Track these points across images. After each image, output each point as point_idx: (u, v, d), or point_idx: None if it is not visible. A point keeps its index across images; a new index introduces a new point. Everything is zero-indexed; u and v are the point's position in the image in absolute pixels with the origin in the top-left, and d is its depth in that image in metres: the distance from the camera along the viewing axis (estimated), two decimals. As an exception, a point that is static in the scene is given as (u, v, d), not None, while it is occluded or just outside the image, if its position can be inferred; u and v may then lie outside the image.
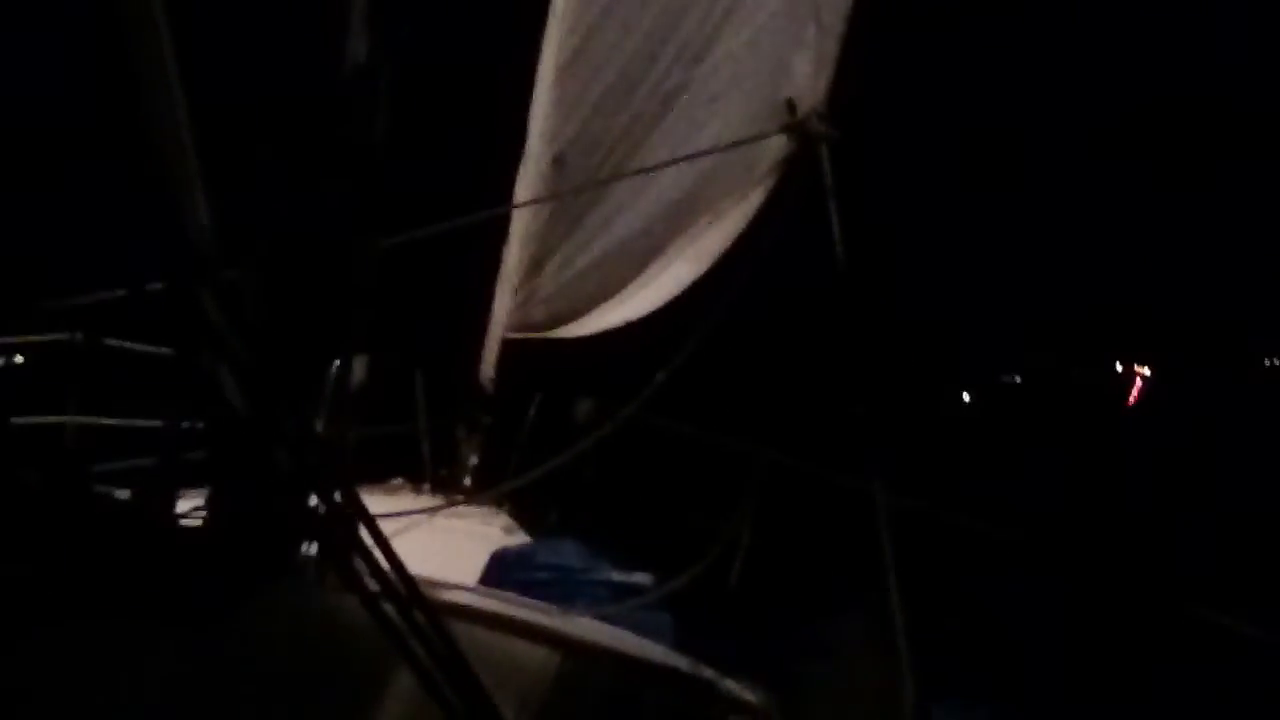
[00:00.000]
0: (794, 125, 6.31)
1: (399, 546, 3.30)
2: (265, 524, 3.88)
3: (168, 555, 3.77)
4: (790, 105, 6.37)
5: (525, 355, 8.25)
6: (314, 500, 3.62)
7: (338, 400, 4.35)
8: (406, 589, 3.10)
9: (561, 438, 7.88)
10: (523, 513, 7.77)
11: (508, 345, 8.24)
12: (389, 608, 3.23)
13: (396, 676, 3.70)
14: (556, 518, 7.91)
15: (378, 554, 3.23)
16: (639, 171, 7.23)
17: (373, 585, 3.16)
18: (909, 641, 4.91)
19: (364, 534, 3.35)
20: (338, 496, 3.44)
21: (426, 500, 7.56)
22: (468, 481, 8.32)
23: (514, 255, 8.03)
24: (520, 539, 7.25)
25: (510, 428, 8.51)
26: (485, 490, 7.96)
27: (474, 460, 8.38)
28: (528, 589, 5.63)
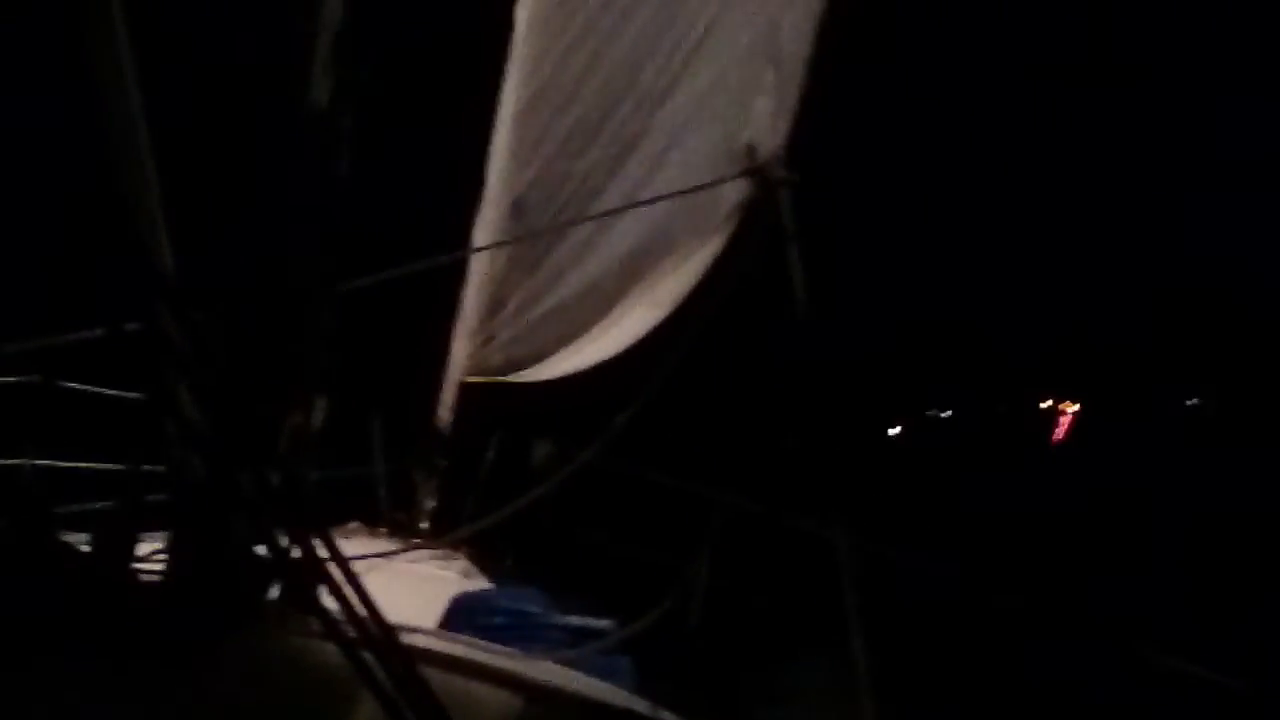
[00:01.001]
0: (754, 170, 6.35)
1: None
2: (229, 567, 3.86)
3: (127, 601, 3.74)
4: (750, 150, 6.41)
5: (482, 398, 8.24)
6: (282, 542, 3.61)
7: (297, 443, 4.34)
8: (382, 634, 3.09)
9: (519, 480, 7.87)
10: (480, 556, 7.75)
11: (465, 388, 8.23)
12: (362, 653, 3.22)
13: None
14: (513, 561, 7.89)
15: (350, 597, 3.22)
16: (599, 215, 7.26)
17: (347, 630, 3.15)
18: (871, 685, 4.93)
19: (335, 577, 3.35)
20: (311, 540, 3.43)
21: (383, 543, 7.52)
22: (425, 525, 8.29)
23: (472, 299, 8.03)
24: (478, 582, 7.23)
25: (467, 470, 8.49)
26: (443, 534, 7.94)
27: (431, 503, 8.35)
28: (488, 634, 5.60)
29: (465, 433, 8.31)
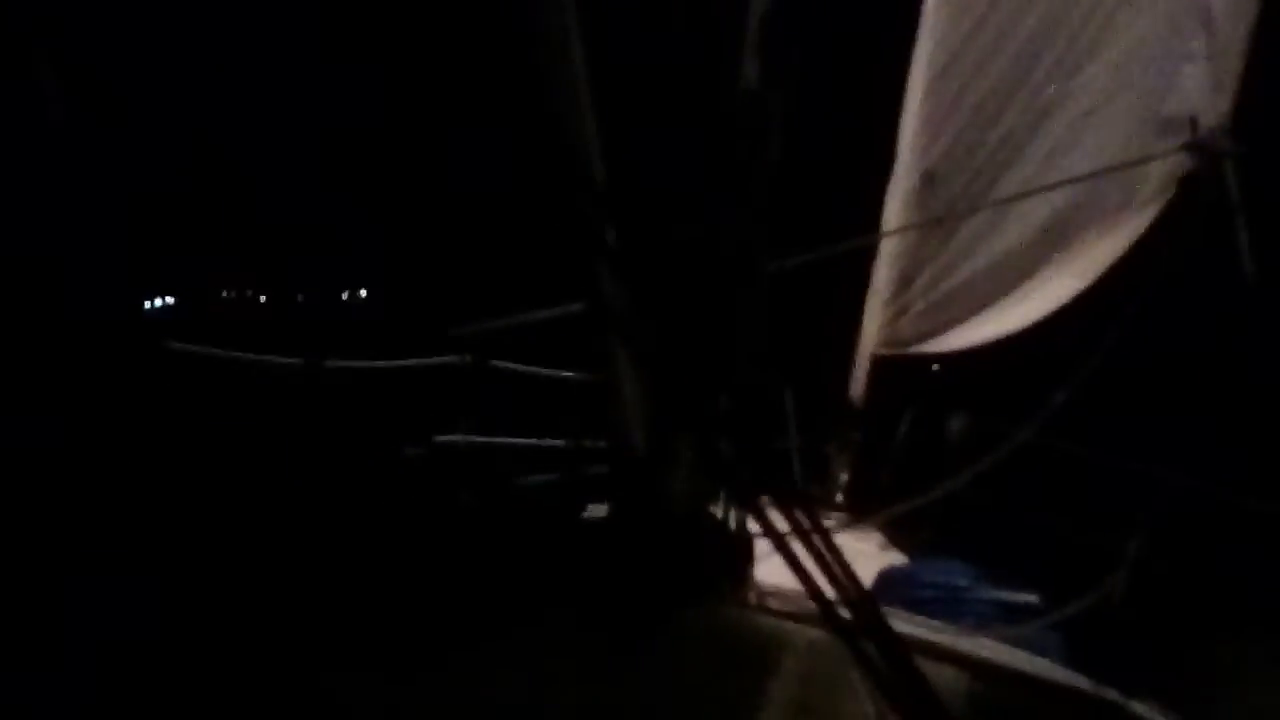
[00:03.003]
0: (1196, 143, 6.17)
1: (777, 565, 3.34)
2: (684, 539, 3.98)
3: (601, 570, 3.90)
4: (1190, 121, 6.23)
5: (896, 370, 8.23)
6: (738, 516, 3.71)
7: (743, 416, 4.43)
8: (868, 613, 3.14)
9: (933, 454, 7.83)
10: (896, 529, 7.74)
11: (878, 361, 8.23)
12: (805, 629, 3.27)
13: (797, 689, 3.75)
14: (932, 534, 7.84)
15: (832, 574, 3.25)
16: (1013, 198, 7.15)
17: (793, 604, 3.20)
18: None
19: (785, 549, 3.40)
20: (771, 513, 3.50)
21: (800, 518, 7.57)
22: (840, 498, 8.34)
23: (884, 271, 8.03)
24: (896, 556, 7.23)
25: (880, 444, 8.49)
26: (857, 507, 7.97)
27: (845, 477, 8.40)
28: (915, 607, 5.62)
29: (879, 406, 8.32)
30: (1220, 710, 5.40)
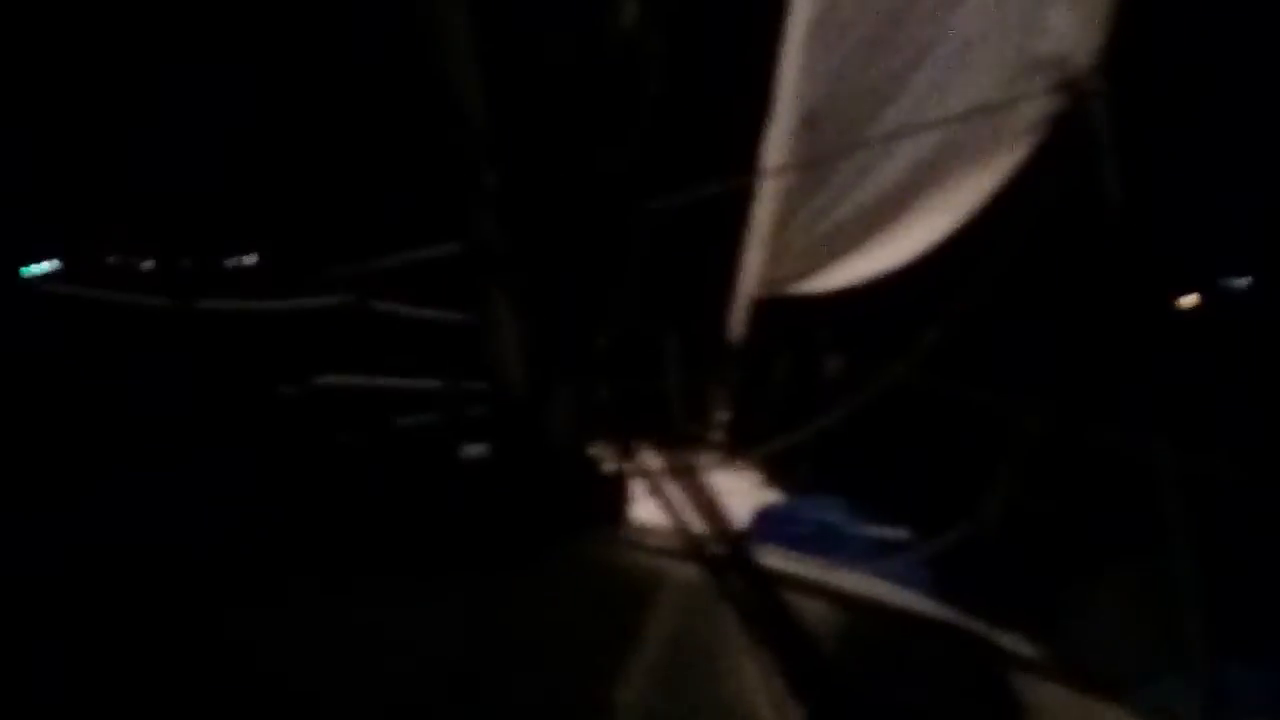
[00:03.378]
0: (1066, 83, 6.28)
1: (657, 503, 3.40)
2: (553, 479, 4.02)
3: (470, 505, 3.93)
4: (1061, 61, 6.33)
5: (774, 311, 8.30)
6: (604, 455, 3.75)
7: (613, 358, 4.46)
8: (731, 548, 3.21)
9: (811, 394, 7.93)
10: (773, 467, 7.83)
11: (757, 302, 8.30)
12: (671, 563, 3.33)
13: (673, 626, 3.81)
14: (809, 473, 7.95)
15: (675, 509, 3.33)
16: (891, 136, 7.23)
17: (663, 540, 3.26)
18: (1197, 600, 4.87)
19: (657, 489, 3.46)
20: (636, 452, 3.56)
21: (677, 457, 7.65)
22: (718, 438, 8.41)
23: (763, 213, 8.08)
24: (774, 495, 7.32)
25: (759, 384, 8.57)
26: (736, 446, 8.05)
27: (723, 417, 8.47)
28: (791, 544, 5.71)
29: (757, 346, 8.39)
30: (1083, 640, 5.55)
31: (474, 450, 4.39)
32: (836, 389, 7.48)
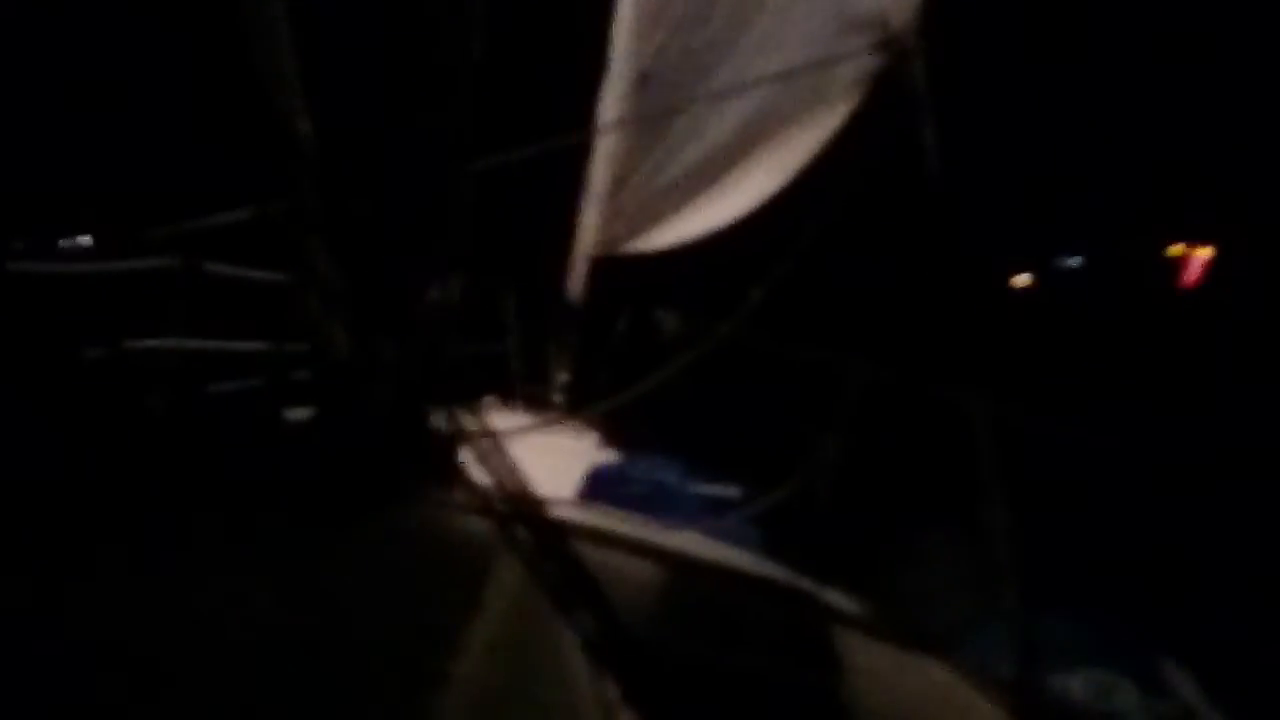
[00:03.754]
0: (886, 42, 6.33)
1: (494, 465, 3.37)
2: (376, 441, 3.97)
3: (285, 470, 3.87)
4: (881, 20, 6.38)
5: (611, 271, 8.29)
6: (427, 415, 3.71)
7: (438, 317, 4.41)
8: (530, 507, 3.19)
9: (650, 353, 7.94)
10: (613, 427, 7.83)
11: (594, 261, 8.28)
12: (514, 526, 3.31)
13: (510, 592, 3.79)
14: (646, 432, 7.97)
15: (499, 470, 3.31)
16: (719, 94, 7.24)
17: (495, 502, 3.24)
18: (1008, 550, 4.97)
19: (483, 451, 3.43)
20: (457, 414, 3.52)
21: (518, 417, 7.63)
22: (558, 398, 8.39)
23: (598, 172, 8.06)
24: (612, 453, 7.33)
25: (599, 343, 8.56)
26: (576, 406, 8.04)
27: (564, 377, 8.45)
28: (625, 503, 5.73)
29: (596, 306, 8.38)
30: (906, 595, 5.65)
31: (298, 414, 4.31)
32: (672, 348, 7.49)
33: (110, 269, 6.13)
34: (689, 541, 5.19)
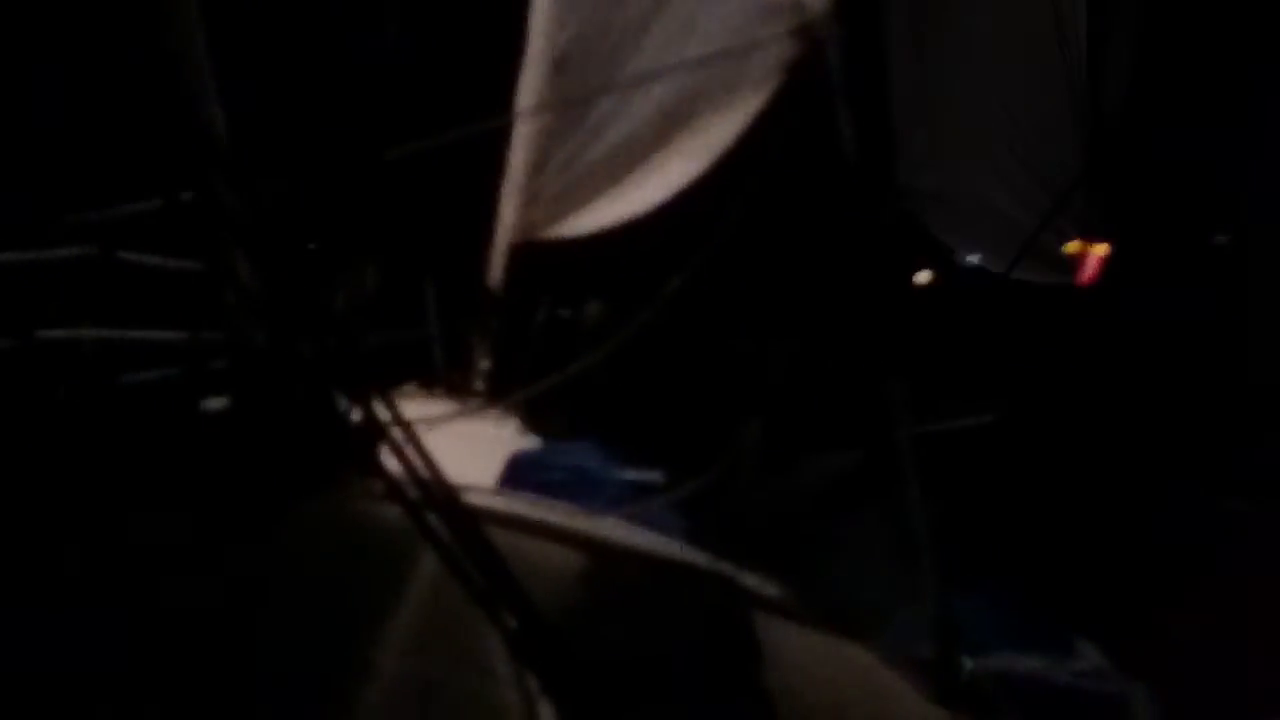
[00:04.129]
0: (801, 28, 6.36)
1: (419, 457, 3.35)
2: (292, 432, 3.93)
3: (201, 467, 3.82)
4: (796, 6, 6.40)
5: (531, 258, 8.27)
6: (343, 404, 3.67)
7: (354, 306, 4.38)
8: (445, 494, 3.16)
9: (571, 340, 7.93)
10: (534, 414, 7.81)
11: (515, 248, 8.26)
12: (429, 516, 3.29)
13: (431, 582, 3.76)
14: (568, 419, 7.96)
15: (413, 459, 3.28)
16: (636, 80, 7.25)
17: (412, 492, 3.22)
18: (928, 535, 5.00)
19: (398, 440, 3.40)
20: (372, 402, 3.49)
21: (439, 405, 7.60)
22: (479, 386, 8.36)
23: (517, 159, 8.04)
24: (534, 440, 7.31)
25: (519, 331, 8.54)
26: (498, 394, 8.01)
27: (485, 364, 8.42)
28: (546, 490, 5.71)
29: (517, 293, 8.36)
30: (827, 579, 5.68)
31: (214, 404, 4.26)
32: (594, 335, 7.49)
33: (20, 259, 6.03)
34: (610, 527, 5.17)
